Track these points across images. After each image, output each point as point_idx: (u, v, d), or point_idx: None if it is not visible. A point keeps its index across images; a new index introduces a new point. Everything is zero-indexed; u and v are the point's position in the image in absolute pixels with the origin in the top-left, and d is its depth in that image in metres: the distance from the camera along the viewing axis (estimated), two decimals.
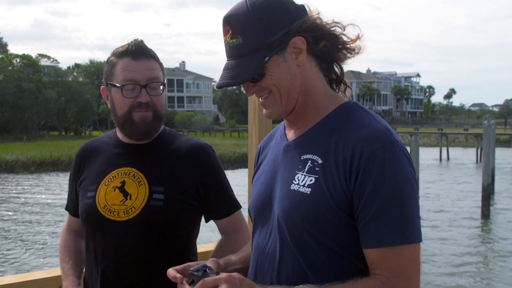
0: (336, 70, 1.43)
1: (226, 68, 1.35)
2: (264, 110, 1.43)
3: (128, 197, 1.82)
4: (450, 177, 27.72)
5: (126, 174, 1.86)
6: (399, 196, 1.22)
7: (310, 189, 1.29)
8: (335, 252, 1.28)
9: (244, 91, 1.42)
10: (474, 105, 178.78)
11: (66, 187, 23.90)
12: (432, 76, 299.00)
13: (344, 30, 1.37)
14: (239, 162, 35.19)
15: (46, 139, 50.33)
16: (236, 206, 1.99)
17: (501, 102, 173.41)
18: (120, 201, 1.82)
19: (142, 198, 1.81)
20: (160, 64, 1.88)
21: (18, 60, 60.82)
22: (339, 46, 1.37)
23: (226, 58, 1.37)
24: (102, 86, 1.91)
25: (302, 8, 1.36)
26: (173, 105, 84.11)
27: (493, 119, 30.20)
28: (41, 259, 12.38)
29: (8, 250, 13.36)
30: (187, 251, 1.91)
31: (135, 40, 1.85)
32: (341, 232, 1.27)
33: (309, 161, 1.32)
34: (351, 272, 1.26)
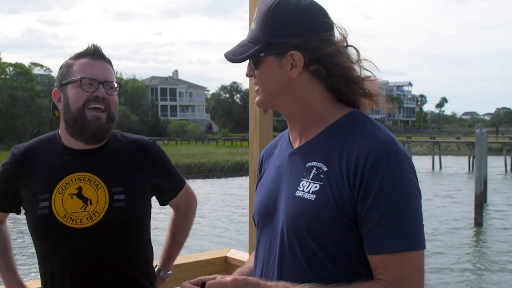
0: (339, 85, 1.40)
1: (238, 44, 1.41)
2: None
3: (88, 202, 1.79)
4: (443, 185, 27.82)
5: (81, 180, 1.81)
6: (402, 204, 1.23)
7: (314, 196, 1.29)
8: (339, 259, 1.29)
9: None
10: (465, 113, 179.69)
11: None
12: (423, 84, 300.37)
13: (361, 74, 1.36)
14: (233, 171, 35.11)
15: None
16: (183, 180, 2.10)
17: (492, 110, 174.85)
18: (81, 208, 1.79)
19: (104, 201, 1.79)
20: (114, 72, 1.94)
21: (11, 68, 60.54)
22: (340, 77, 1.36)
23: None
24: (55, 89, 1.89)
25: (324, 27, 1.34)
26: (166, 113, 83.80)
27: (484, 127, 30.42)
28: (36, 268, 12.31)
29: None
30: (147, 248, 1.97)
31: (93, 44, 1.90)
32: (345, 238, 1.28)
33: (314, 168, 1.33)
34: (354, 279, 1.27)
